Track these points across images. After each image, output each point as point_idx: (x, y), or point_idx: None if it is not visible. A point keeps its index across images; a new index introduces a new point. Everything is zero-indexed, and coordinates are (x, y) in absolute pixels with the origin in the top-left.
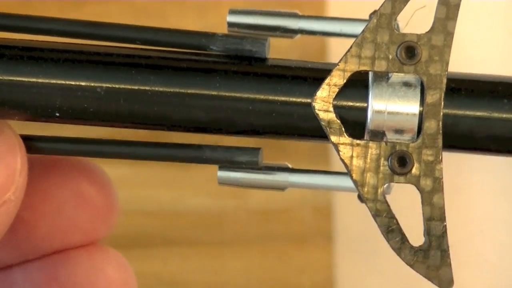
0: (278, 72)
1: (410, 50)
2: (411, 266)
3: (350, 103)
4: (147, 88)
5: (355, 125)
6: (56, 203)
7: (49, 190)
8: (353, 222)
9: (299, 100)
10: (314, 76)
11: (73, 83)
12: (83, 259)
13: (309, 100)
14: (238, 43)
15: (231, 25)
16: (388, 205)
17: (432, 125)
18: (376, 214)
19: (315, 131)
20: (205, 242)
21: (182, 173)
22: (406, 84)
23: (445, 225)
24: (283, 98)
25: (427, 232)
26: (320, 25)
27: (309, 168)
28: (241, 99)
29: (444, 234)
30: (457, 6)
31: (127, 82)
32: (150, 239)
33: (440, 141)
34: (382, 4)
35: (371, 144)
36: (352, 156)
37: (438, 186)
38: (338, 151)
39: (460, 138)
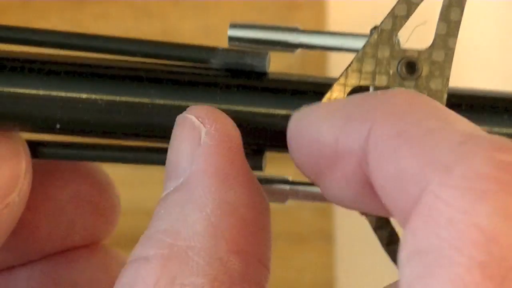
0: (279, 86)
1: (410, 66)
2: None
3: None
4: (147, 101)
5: None
6: (57, 204)
7: (51, 192)
8: (353, 222)
9: None
10: (315, 90)
11: (74, 95)
12: (85, 259)
13: None
14: (238, 57)
15: (231, 39)
16: (388, 219)
17: None
18: (376, 228)
19: None
20: None
21: None
22: None
23: None
24: (284, 112)
25: None
26: (321, 40)
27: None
28: (241, 112)
29: None
30: (458, 23)
31: (128, 94)
32: None
33: None
34: (383, 20)
35: None
36: None
37: None
38: None
39: None
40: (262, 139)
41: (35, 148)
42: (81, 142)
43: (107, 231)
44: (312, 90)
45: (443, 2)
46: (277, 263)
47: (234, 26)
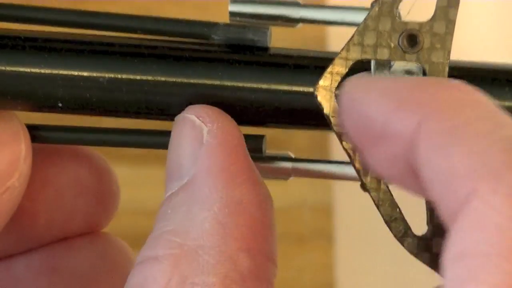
0: (280, 61)
1: (412, 38)
2: (415, 255)
3: None
4: (149, 77)
5: None
6: (55, 191)
7: (49, 179)
8: (353, 222)
9: (301, 89)
10: (316, 64)
11: (75, 73)
12: (84, 247)
13: (311, 89)
14: (240, 32)
15: (233, 14)
16: (391, 194)
17: None
18: (379, 204)
19: (318, 120)
20: None
21: None
22: (408, 72)
23: None
24: (285, 87)
25: (430, 221)
26: (322, 14)
27: None
28: (243, 88)
29: None
30: None
31: (129, 71)
32: None
33: None
34: None
35: None
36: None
37: None
38: (340, 140)
39: None
40: (264, 114)
41: (34, 132)
42: (81, 126)
43: (107, 218)
44: (314, 65)
45: None
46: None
47: (235, 1)
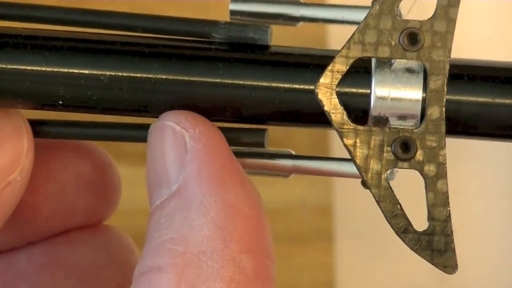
0: (281, 59)
1: (412, 37)
2: (415, 251)
3: (353, 90)
4: (150, 76)
5: (358, 111)
6: (58, 185)
7: (51, 173)
8: (353, 222)
9: (302, 87)
10: (317, 63)
11: (76, 71)
12: (86, 240)
13: (312, 87)
14: (240, 30)
15: (233, 13)
16: (392, 191)
17: (435, 111)
18: (379, 200)
19: (318, 118)
20: None
21: None
22: (409, 70)
23: (449, 210)
24: (286, 85)
25: (431, 217)
26: (322, 12)
27: None
28: (244, 86)
29: (448, 219)
30: None
31: (130, 70)
32: None
33: (443, 127)
34: None
35: (374, 130)
36: (355, 142)
37: (442, 171)
38: (341, 137)
39: (463, 124)
40: (265, 112)
41: (36, 127)
42: (83, 120)
43: (108, 211)
44: (314, 63)
45: None
46: (277, 263)
47: (235, 0)
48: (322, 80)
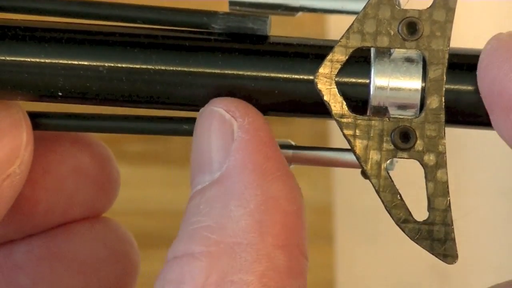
0: (280, 49)
1: (411, 26)
2: (415, 241)
3: (353, 79)
4: (149, 67)
5: (357, 101)
6: (56, 178)
7: (50, 166)
8: (353, 222)
9: (301, 77)
10: (316, 52)
11: (75, 62)
12: (84, 232)
13: (311, 77)
14: (239, 21)
15: (232, 3)
16: (392, 181)
17: (435, 101)
18: (379, 190)
19: (318, 108)
20: None
21: (182, 173)
22: (408, 60)
23: (449, 199)
24: (285, 75)
25: (431, 207)
26: (321, 2)
27: None
28: (243, 76)
29: (448, 208)
30: None
31: (129, 61)
32: (149, 239)
33: (443, 116)
34: None
35: (374, 120)
36: (355, 132)
37: (441, 161)
38: (341, 127)
39: (462, 113)
40: (265, 102)
41: (36, 120)
42: (82, 112)
43: (107, 204)
44: (314, 53)
45: None
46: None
47: None
48: (321, 70)
